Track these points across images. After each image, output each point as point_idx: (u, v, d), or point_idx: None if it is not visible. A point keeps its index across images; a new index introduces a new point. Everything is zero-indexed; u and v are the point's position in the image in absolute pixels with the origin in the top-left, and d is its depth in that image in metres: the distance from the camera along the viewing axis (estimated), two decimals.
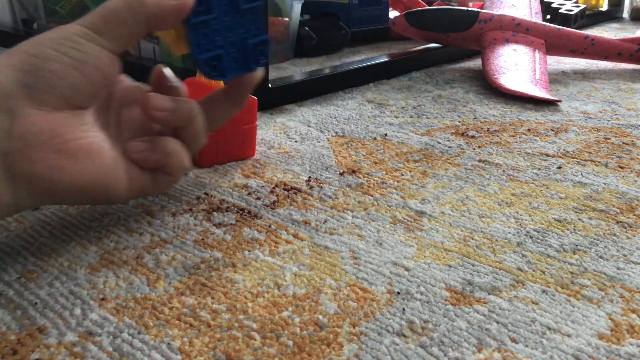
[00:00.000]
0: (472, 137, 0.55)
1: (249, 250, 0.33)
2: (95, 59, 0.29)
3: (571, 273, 0.32)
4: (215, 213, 0.38)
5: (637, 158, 0.50)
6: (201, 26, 0.33)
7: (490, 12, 0.85)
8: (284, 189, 0.42)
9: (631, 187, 0.43)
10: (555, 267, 0.32)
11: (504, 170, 0.46)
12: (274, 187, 0.42)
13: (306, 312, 0.28)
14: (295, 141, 0.52)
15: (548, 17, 1.19)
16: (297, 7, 0.89)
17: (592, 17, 1.42)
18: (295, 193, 0.41)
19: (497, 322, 0.27)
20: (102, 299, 0.29)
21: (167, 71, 0.36)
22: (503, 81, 0.71)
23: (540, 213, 0.39)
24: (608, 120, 0.61)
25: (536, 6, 0.95)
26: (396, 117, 0.61)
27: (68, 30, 0.29)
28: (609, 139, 0.55)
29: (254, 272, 0.31)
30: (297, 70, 0.84)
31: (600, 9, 1.54)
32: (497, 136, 0.55)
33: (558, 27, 0.84)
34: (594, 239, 0.36)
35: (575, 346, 0.26)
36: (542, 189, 0.43)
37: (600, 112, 0.64)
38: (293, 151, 0.50)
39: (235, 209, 0.38)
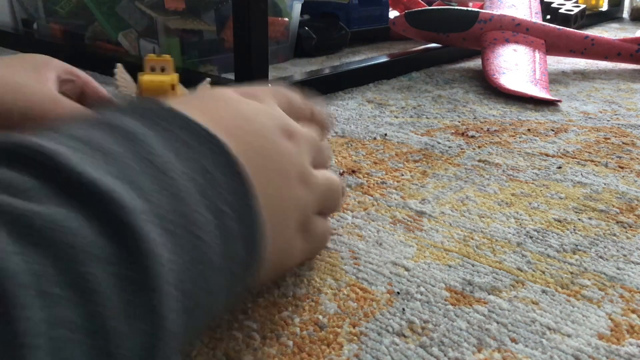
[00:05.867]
0: (472, 137, 0.55)
1: None
2: None
3: (571, 273, 0.32)
4: None
5: (637, 158, 0.50)
6: None
7: (490, 12, 0.85)
8: None
9: (631, 187, 0.43)
10: (555, 267, 0.32)
11: (503, 170, 0.46)
12: None
13: (306, 312, 0.28)
14: None
15: (548, 17, 1.18)
16: (297, 7, 0.89)
17: (592, 17, 1.42)
18: None
19: (497, 322, 0.27)
20: None
21: None
22: (503, 81, 0.71)
23: (540, 213, 0.39)
24: (608, 120, 0.61)
25: (536, 6, 0.95)
26: (396, 117, 0.61)
27: None
28: (609, 139, 0.55)
29: None
30: (297, 70, 0.84)
31: (600, 9, 1.54)
32: (497, 136, 0.55)
33: (558, 27, 0.84)
34: (594, 239, 0.36)
35: (575, 346, 0.26)
36: (542, 189, 0.43)
37: (600, 112, 0.64)
38: None
39: None
